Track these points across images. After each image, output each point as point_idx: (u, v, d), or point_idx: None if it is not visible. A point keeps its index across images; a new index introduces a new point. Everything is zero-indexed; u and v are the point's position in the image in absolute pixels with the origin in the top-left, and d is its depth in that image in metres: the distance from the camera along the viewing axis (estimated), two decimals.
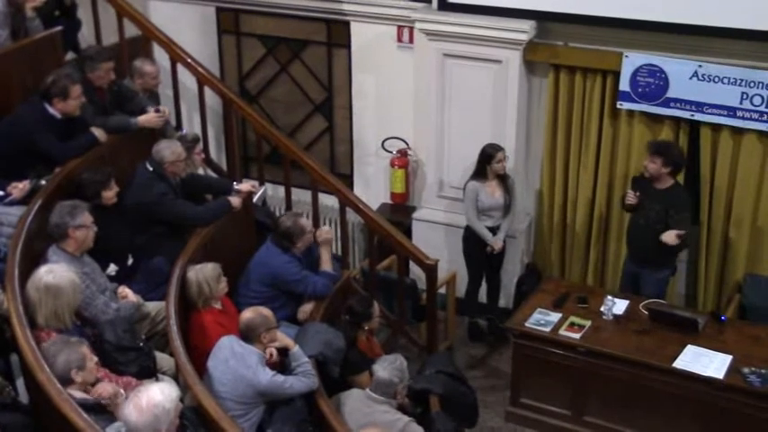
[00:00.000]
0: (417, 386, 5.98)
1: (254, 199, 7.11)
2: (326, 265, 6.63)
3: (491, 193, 7.45)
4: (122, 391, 4.75)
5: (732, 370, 6.22)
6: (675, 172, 6.93)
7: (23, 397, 4.97)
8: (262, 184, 7.82)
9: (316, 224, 7.46)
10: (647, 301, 6.87)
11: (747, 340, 6.57)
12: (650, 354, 6.41)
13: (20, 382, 5.03)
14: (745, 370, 6.19)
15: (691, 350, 6.40)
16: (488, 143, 7.43)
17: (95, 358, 4.80)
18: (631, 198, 7.02)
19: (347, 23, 8.25)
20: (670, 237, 6.79)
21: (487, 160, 7.38)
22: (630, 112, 7.39)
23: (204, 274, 5.86)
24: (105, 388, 4.70)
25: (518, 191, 7.70)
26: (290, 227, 6.42)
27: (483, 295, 7.92)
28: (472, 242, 7.60)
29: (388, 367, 5.57)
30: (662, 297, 7.09)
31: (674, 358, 6.33)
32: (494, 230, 7.52)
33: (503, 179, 7.50)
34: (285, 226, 6.44)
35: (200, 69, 7.78)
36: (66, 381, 4.60)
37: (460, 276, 7.89)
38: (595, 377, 6.60)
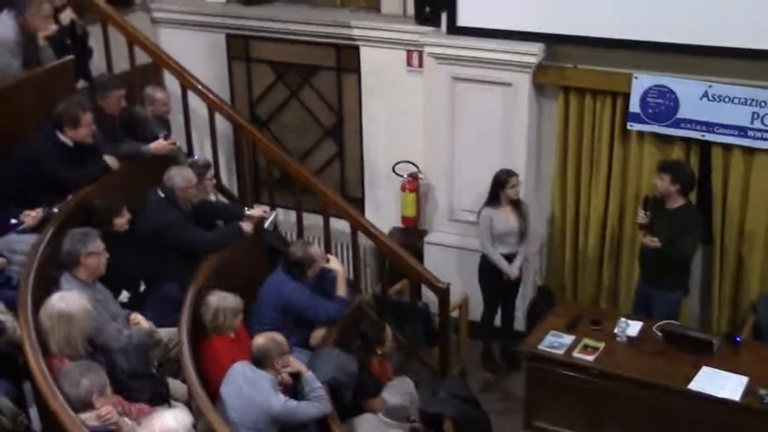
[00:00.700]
0: (431, 410, 5.96)
1: (266, 224, 7.12)
2: (340, 290, 6.61)
3: (505, 218, 7.39)
4: (127, 419, 4.72)
5: (748, 391, 6.16)
6: (685, 191, 6.90)
7: (36, 425, 4.95)
8: (273, 209, 7.81)
9: (327, 249, 7.45)
10: (660, 323, 6.83)
11: (763, 361, 6.51)
12: (665, 376, 6.37)
13: (33, 410, 5.02)
14: (762, 391, 6.12)
15: (706, 372, 6.35)
16: (502, 168, 7.39)
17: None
18: (641, 218, 6.99)
19: (356, 48, 8.29)
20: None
21: (501, 186, 7.33)
22: (641, 134, 7.37)
23: (225, 303, 5.86)
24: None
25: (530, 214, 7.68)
26: (301, 258, 6.39)
27: (497, 318, 7.88)
28: (488, 270, 7.51)
29: (396, 393, 5.56)
30: (675, 318, 7.04)
31: (689, 380, 6.28)
32: (509, 257, 7.46)
33: (516, 204, 7.44)
34: (296, 256, 6.41)
35: (210, 96, 7.81)
36: (86, 405, 4.58)
37: (473, 299, 7.86)
38: (609, 399, 6.55)
